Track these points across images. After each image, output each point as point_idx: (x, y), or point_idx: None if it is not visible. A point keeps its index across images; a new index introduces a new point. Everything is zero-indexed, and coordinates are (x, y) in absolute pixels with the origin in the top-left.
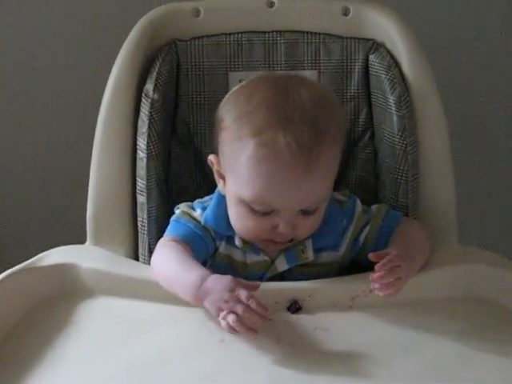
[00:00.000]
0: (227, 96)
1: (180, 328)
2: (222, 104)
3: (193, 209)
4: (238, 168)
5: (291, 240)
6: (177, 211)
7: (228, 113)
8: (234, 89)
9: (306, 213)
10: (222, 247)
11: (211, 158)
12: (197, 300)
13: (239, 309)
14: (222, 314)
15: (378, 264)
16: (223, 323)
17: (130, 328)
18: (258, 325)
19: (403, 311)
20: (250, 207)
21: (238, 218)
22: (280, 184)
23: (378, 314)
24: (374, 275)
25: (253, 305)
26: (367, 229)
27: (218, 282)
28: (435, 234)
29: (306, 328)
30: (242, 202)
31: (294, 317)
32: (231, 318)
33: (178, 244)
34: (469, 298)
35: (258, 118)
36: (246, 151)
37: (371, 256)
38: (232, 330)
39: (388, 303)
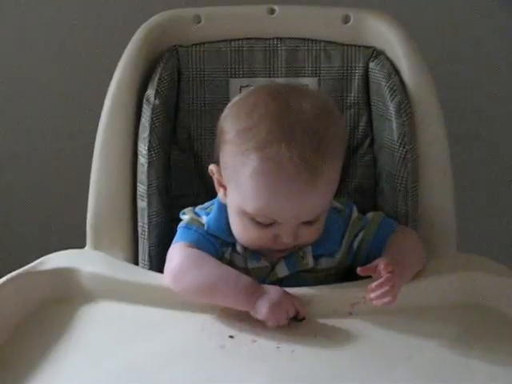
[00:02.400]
0: (228, 108)
1: (180, 333)
2: (223, 116)
3: (197, 215)
4: (241, 181)
5: (294, 246)
6: (184, 217)
7: (230, 126)
8: (235, 100)
9: (307, 222)
10: (228, 253)
11: (212, 167)
12: (250, 303)
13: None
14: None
15: (373, 285)
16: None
17: (130, 333)
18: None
19: (402, 318)
20: (251, 218)
21: (239, 228)
22: (283, 198)
23: (377, 320)
24: (372, 285)
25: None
26: (361, 235)
27: (273, 289)
28: (434, 242)
29: (306, 334)
30: (243, 213)
31: (294, 323)
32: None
33: (198, 250)
34: (467, 306)
35: (261, 133)
36: (250, 165)
37: (359, 271)
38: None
39: (387, 310)
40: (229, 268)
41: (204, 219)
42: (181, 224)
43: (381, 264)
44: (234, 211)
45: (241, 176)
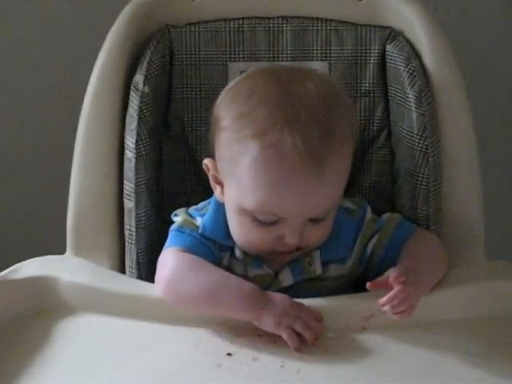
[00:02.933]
0: (224, 92)
1: (172, 350)
2: (218, 101)
3: (192, 217)
4: (239, 173)
5: (298, 248)
6: (176, 219)
7: (226, 111)
8: (231, 84)
9: (314, 220)
10: (226, 259)
11: (206, 162)
12: (254, 311)
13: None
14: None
15: (383, 300)
16: (286, 333)
17: (116, 351)
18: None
19: (422, 333)
20: (252, 217)
21: (239, 229)
22: (287, 190)
23: (394, 336)
24: (382, 300)
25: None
26: (375, 239)
27: (280, 296)
28: (459, 248)
29: (314, 351)
30: (243, 211)
31: (301, 338)
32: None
33: (194, 255)
34: (494, 319)
35: (261, 117)
36: (249, 154)
37: (368, 286)
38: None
39: (405, 324)
40: (228, 273)
41: (199, 221)
42: (172, 227)
43: (391, 276)
44: (232, 210)
45: (239, 167)
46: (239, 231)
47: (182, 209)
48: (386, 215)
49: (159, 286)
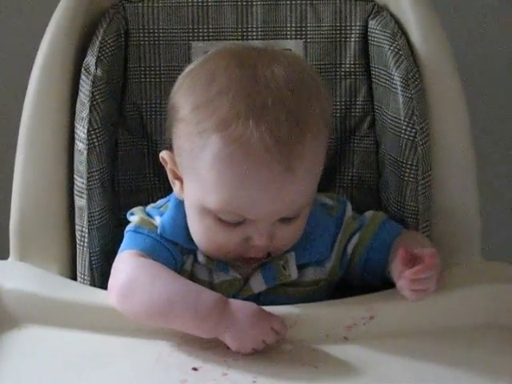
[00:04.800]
0: (181, 78)
1: (130, 365)
2: (175, 88)
3: (150, 216)
4: (201, 170)
5: (268, 255)
6: (132, 218)
7: (184, 100)
8: (190, 67)
9: (285, 220)
10: (189, 263)
11: (163, 155)
12: (214, 332)
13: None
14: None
15: (414, 270)
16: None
17: (67, 366)
18: None
19: (412, 343)
20: (215, 217)
21: (200, 231)
22: (254, 187)
23: (379, 346)
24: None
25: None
26: (355, 239)
27: (247, 308)
28: (453, 247)
29: (290, 364)
30: (205, 210)
31: (275, 351)
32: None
33: (151, 260)
34: (494, 326)
35: (223, 108)
36: (210, 150)
37: (401, 253)
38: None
39: (393, 333)
40: (188, 282)
41: (157, 220)
42: (128, 227)
43: (428, 251)
44: (192, 208)
45: (200, 163)
46: (201, 233)
47: (140, 207)
48: (369, 213)
49: (111, 295)
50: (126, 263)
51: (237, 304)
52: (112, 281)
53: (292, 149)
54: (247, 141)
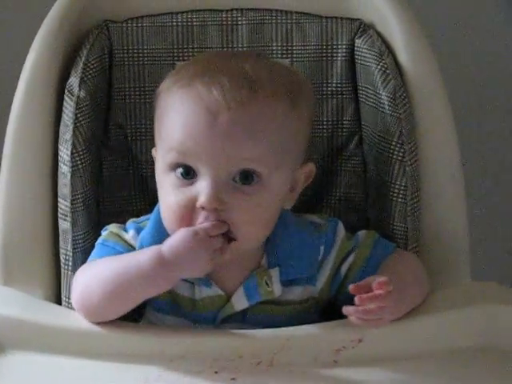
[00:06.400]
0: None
1: None
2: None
3: (125, 231)
4: (162, 122)
5: (229, 238)
6: (104, 233)
7: (164, 82)
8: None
9: (238, 184)
10: None
11: (154, 151)
12: (167, 273)
13: (219, 244)
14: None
15: (363, 296)
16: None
17: None
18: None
19: (402, 366)
20: (175, 175)
21: (163, 199)
22: (203, 125)
23: (368, 371)
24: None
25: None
26: (351, 259)
27: (177, 238)
28: (442, 268)
29: None
30: (167, 169)
31: (263, 375)
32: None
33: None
34: (486, 349)
35: (189, 71)
36: (171, 101)
37: (351, 289)
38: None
39: (383, 356)
40: (128, 254)
41: (131, 235)
42: (98, 240)
43: (378, 280)
44: (159, 176)
45: (163, 118)
46: (163, 200)
47: (115, 224)
48: (362, 232)
49: (76, 307)
50: (82, 272)
51: (168, 242)
52: (72, 295)
53: (242, 103)
54: (196, 88)
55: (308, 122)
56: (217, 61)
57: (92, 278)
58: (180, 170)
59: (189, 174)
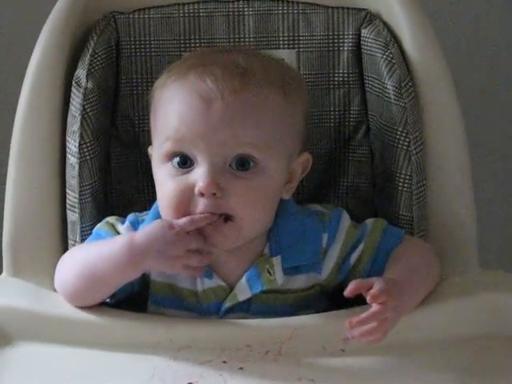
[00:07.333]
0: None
1: (125, 381)
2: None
3: (122, 223)
4: (158, 114)
5: (225, 219)
6: (100, 223)
7: (159, 79)
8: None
9: (237, 169)
10: (159, 272)
11: (150, 150)
12: (136, 262)
13: (194, 245)
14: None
15: (355, 320)
16: (185, 272)
17: (62, 383)
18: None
19: (411, 355)
20: (171, 165)
21: (160, 189)
22: (196, 114)
23: (376, 359)
24: (352, 320)
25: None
26: (361, 247)
27: (151, 227)
28: (449, 257)
29: (287, 378)
30: (164, 157)
31: (271, 365)
32: (195, 258)
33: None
34: (494, 336)
35: (186, 64)
36: (166, 93)
37: (347, 292)
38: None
39: (389, 346)
40: (103, 240)
41: (125, 226)
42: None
43: (371, 293)
44: (157, 166)
45: (158, 111)
46: (160, 189)
47: (114, 216)
48: (370, 220)
49: (58, 293)
50: (64, 257)
51: (142, 229)
52: (55, 278)
53: (235, 90)
54: (190, 79)
55: (302, 115)
56: (210, 55)
57: (69, 262)
58: (177, 159)
59: (185, 163)
